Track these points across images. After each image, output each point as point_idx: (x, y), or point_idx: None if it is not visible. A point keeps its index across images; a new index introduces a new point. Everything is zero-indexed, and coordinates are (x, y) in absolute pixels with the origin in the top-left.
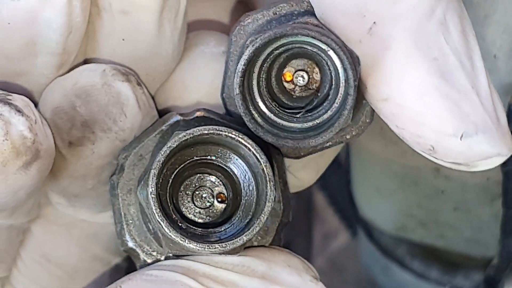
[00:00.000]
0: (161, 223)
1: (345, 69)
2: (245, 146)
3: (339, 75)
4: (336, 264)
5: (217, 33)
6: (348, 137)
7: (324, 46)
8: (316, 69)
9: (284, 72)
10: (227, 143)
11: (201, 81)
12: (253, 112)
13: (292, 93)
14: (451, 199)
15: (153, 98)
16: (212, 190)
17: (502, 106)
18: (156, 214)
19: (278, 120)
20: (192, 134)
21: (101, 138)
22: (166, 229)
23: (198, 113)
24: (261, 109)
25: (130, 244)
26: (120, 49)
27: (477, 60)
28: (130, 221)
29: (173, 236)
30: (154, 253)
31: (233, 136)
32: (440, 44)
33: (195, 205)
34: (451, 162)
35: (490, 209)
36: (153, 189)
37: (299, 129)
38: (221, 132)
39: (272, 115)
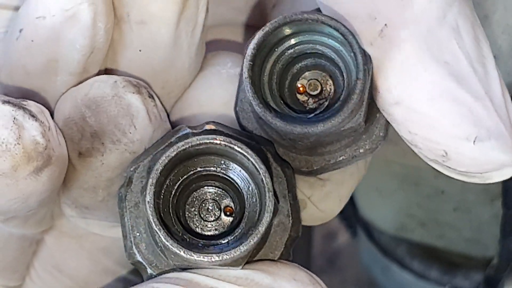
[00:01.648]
0: (158, 232)
1: (354, 54)
2: (244, 155)
3: (351, 74)
4: (336, 264)
5: (234, 54)
6: (361, 151)
7: (334, 43)
8: (330, 81)
9: (297, 84)
10: (229, 154)
11: (216, 101)
12: (262, 99)
13: (306, 105)
14: (451, 199)
15: (168, 114)
16: (218, 203)
17: None
18: (153, 223)
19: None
20: (191, 143)
21: (110, 149)
22: (163, 239)
23: (207, 126)
24: (272, 108)
25: (138, 257)
26: (137, 60)
27: (490, 68)
28: (138, 234)
29: (170, 245)
30: (161, 267)
31: (231, 145)
32: (453, 49)
33: (202, 218)
34: (465, 172)
35: (490, 209)
36: (150, 198)
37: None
38: (219, 142)
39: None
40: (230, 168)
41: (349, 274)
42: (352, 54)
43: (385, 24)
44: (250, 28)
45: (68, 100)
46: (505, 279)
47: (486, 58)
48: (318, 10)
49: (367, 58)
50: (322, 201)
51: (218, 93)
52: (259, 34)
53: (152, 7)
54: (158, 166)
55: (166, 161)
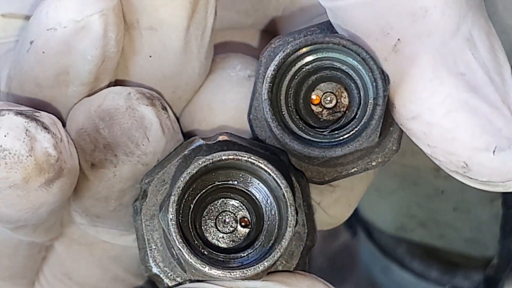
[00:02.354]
0: (182, 249)
1: (375, 79)
2: (265, 170)
3: (367, 91)
4: (336, 264)
5: (243, 56)
6: (373, 164)
7: (352, 61)
8: (345, 93)
9: (312, 95)
10: (248, 168)
11: (227, 104)
12: (280, 120)
13: (320, 116)
14: (451, 199)
15: (178, 120)
16: (235, 215)
17: None
18: (176, 241)
19: (305, 135)
20: (212, 159)
21: (123, 161)
22: (187, 256)
23: (220, 137)
24: (288, 124)
25: (154, 269)
26: (147, 66)
27: (507, 76)
28: (154, 247)
29: (193, 262)
30: (178, 279)
31: (252, 161)
32: (467, 60)
33: (218, 230)
34: (487, 182)
35: (490, 209)
36: (173, 215)
37: (325, 143)
38: (240, 157)
39: (298, 130)
40: (249, 181)
41: (349, 274)
42: (370, 74)
43: (398, 39)
44: (258, 30)
45: (81, 110)
46: (505, 279)
47: (503, 66)
48: (328, 23)
49: (386, 83)
50: (331, 206)
51: (228, 96)
52: (279, 57)
53: (161, 13)
54: (180, 184)
55: (188, 178)
